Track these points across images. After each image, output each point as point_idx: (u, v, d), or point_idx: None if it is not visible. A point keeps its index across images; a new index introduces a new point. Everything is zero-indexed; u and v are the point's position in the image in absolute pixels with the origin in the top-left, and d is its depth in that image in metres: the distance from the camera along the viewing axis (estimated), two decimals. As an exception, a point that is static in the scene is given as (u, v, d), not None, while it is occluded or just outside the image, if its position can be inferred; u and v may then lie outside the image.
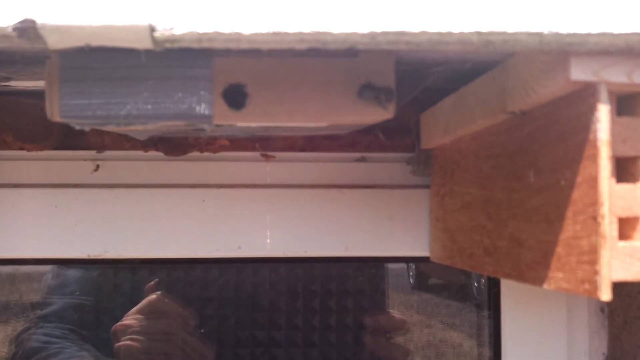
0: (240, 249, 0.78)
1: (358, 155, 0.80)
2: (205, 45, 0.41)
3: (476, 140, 0.63)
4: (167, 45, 0.41)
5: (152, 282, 1.02)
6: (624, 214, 0.44)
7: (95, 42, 0.42)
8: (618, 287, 0.80)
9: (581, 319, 0.82)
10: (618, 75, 0.43)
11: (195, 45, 0.41)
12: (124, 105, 0.47)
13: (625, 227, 0.45)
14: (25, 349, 1.06)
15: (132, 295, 1.07)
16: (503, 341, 0.81)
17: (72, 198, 0.77)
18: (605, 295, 0.42)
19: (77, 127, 0.50)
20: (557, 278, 0.47)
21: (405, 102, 0.57)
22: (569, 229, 0.46)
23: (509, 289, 0.81)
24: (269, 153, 0.79)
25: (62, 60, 0.47)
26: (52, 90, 0.47)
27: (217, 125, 0.52)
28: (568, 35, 0.41)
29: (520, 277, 0.53)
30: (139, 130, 0.61)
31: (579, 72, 0.43)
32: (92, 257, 0.76)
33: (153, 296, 0.99)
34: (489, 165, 0.60)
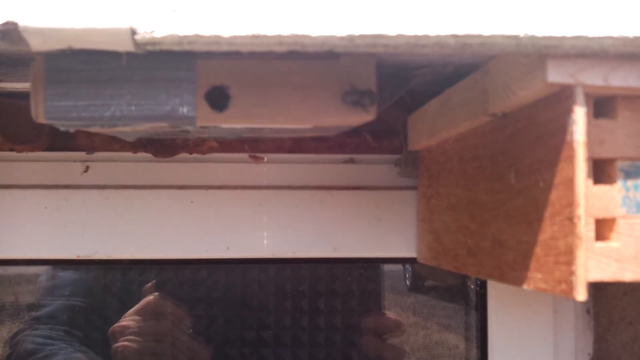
0: (228, 250, 0.78)
1: (346, 156, 0.81)
2: (186, 47, 0.41)
3: (460, 142, 0.63)
4: (149, 47, 0.42)
5: (150, 284, 1.02)
6: (601, 215, 0.45)
7: (78, 45, 0.42)
8: (603, 289, 0.80)
9: (567, 320, 0.83)
10: (594, 77, 0.44)
11: (176, 48, 0.41)
12: (108, 107, 0.48)
13: (602, 228, 0.45)
14: (20, 350, 1.06)
15: (127, 297, 1.07)
16: (490, 342, 0.81)
17: (61, 199, 0.77)
18: (581, 295, 0.43)
19: (62, 129, 0.50)
20: (535, 278, 0.48)
21: (388, 105, 0.58)
22: (547, 229, 0.46)
23: (495, 290, 0.82)
24: (258, 155, 0.79)
25: (47, 62, 0.47)
26: (37, 91, 0.48)
27: (202, 127, 0.52)
28: (544, 38, 0.42)
29: (502, 277, 0.54)
30: (127, 131, 0.62)
31: (556, 75, 0.44)
32: (81, 257, 0.77)
33: (151, 297, 0.99)
34: (472, 167, 0.60)
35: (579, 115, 0.43)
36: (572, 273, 0.43)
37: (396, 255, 0.80)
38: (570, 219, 0.43)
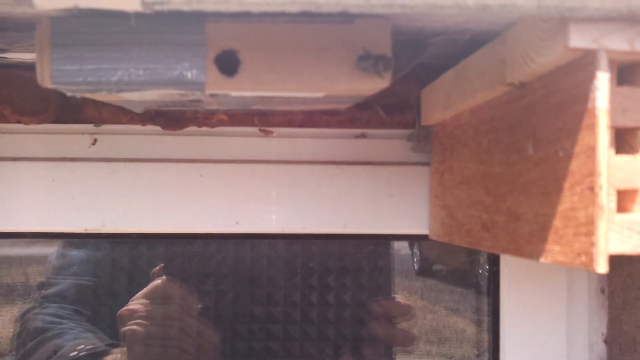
0: (237, 225, 0.77)
1: (358, 131, 0.79)
2: (195, 7, 0.40)
3: (476, 114, 0.62)
4: (157, 7, 0.40)
5: (158, 267, 1.02)
6: (623, 186, 0.44)
7: (84, 4, 0.41)
8: (619, 268, 0.79)
9: (581, 299, 0.81)
10: (619, 42, 0.42)
11: (185, 8, 0.40)
12: (116, 71, 0.46)
13: (624, 200, 0.44)
14: (30, 328, 1.06)
15: (137, 277, 1.06)
16: (502, 321, 0.80)
17: (69, 172, 0.76)
18: (602, 267, 0.41)
19: (69, 94, 0.49)
20: (554, 251, 0.47)
21: (403, 74, 0.56)
22: (567, 200, 0.45)
23: (508, 268, 0.80)
24: (268, 128, 0.78)
25: (53, 25, 0.46)
26: (43, 55, 0.47)
27: (212, 95, 0.51)
28: (568, -1, 0.40)
29: (518, 251, 0.53)
30: (135, 100, 0.61)
31: (579, 39, 0.42)
32: (89, 231, 0.76)
33: (158, 281, 0.99)
34: (488, 139, 0.59)
35: (602, 82, 0.42)
36: (592, 244, 0.41)
37: (407, 232, 0.79)
38: (592, 189, 0.42)
